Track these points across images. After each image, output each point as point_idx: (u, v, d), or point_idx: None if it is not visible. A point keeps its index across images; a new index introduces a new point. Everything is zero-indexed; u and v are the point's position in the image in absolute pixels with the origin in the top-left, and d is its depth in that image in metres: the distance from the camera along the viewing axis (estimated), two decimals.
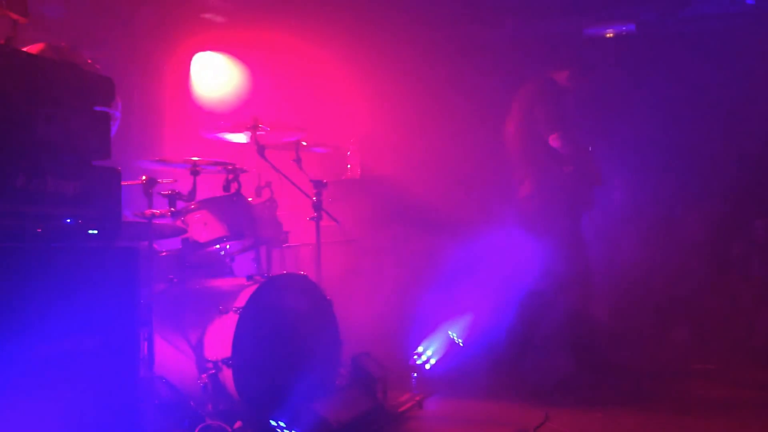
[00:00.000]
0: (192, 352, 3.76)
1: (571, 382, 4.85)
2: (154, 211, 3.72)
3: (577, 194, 4.74)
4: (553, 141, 4.64)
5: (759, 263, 5.99)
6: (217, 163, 4.24)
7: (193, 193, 4.02)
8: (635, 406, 4.22)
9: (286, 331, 3.87)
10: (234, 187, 4.24)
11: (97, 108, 2.86)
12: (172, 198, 3.91)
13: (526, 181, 4.82)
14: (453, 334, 5.54)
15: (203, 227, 4.14)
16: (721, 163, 6.18)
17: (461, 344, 5.57)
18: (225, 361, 3.60)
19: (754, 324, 5.64)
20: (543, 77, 4.92)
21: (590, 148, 4.88)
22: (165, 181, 4.01)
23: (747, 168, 5.90)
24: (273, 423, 3.47)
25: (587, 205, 4.86)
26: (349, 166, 5.93)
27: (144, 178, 3.77)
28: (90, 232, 2.77)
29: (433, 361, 5.09)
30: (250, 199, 4.36)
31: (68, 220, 2.68)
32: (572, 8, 6.21)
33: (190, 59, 6.54)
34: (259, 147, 4.42)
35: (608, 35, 6.15)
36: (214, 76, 6.57)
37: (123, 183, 2.94)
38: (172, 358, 3.79)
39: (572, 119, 4.81)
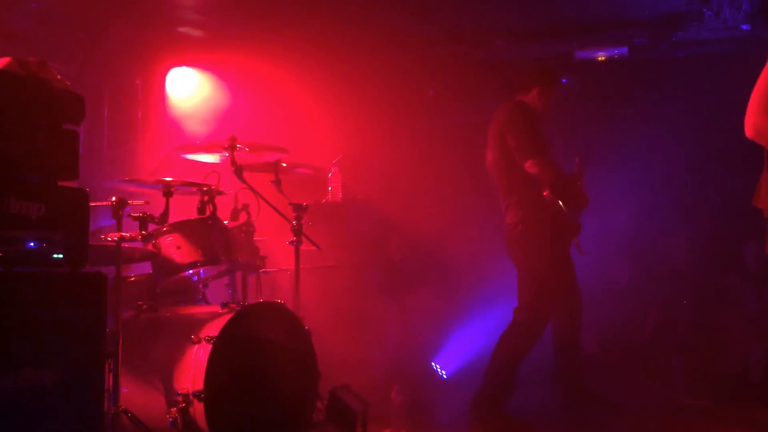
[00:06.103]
0: (161, 384, 3.64)
1: (557, 417, 4.75)
2: (124, 234, 3.58)
3: (559, 220, 4.61)
4: (530, 168, 4.54)
5: (751, 293, 5.91)
6: (191, 184, 4.13)
7: (165, 215, 3.92)
8: None
9: (262, 363, 3.77)
10: (209, 209, 4.14)
11: (66, 126, 2.81)
12: (143, 220, 3.81)
13: (510, 209, 4.74)
14: (436, 366, 5.39)
15: (175, 251, 4.02)
16: (715, 186, 6.12)
17: (444, 376, 5.43)
18: (196, 395, 3.47)
19: (747, 359, 5.55)
20: (512, 102, 4.82)
21: (577, 160, 4.74)
22: (136, 202, 3.87)
23: (738, 192, 5.83)
24: None
25: (573, 230, 4.73)
26: (330, 188, 5.79)
27: (114, 199, 3.67)
28: (55, 256, 2.71)
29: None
30: (225, 222, 4.25)
31: (32, 244, 2.63)
32: (563, 31, 6.16)
33: (166, 75, 6.42)
34: (236, 167, 4.28)
35: (600, 59, 6.12)
36: (191, 92, 6.45)
37: (91, 204, 2.88)
38: (139, 391, 3.66)
39: (545, 140, 4.70)
